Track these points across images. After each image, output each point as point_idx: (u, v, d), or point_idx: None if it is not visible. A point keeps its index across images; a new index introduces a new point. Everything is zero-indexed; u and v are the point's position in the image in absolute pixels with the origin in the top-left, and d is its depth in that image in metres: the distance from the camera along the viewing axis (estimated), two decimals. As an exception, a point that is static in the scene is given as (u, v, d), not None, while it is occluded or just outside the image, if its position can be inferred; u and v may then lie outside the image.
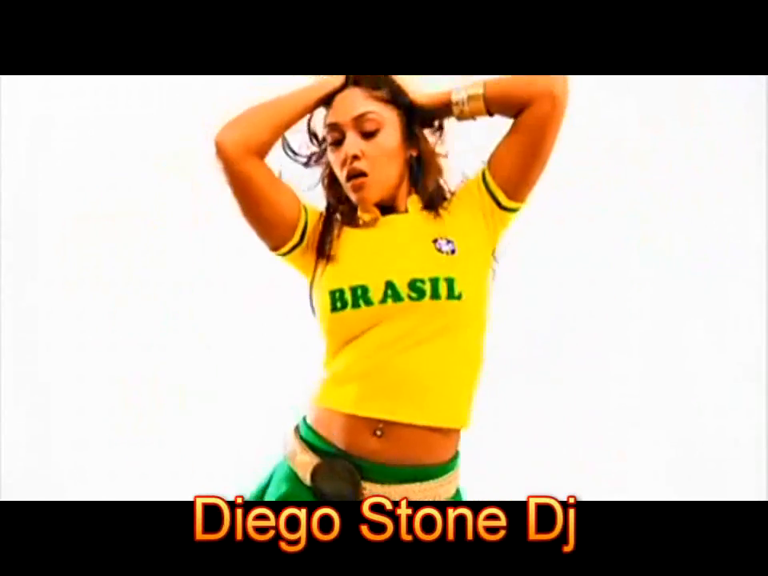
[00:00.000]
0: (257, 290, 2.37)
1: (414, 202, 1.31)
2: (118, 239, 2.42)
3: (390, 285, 1.19)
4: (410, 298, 1.18)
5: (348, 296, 1.20)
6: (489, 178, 1.29)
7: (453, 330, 1.21)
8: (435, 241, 1.25)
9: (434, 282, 1.19)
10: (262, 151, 1.25)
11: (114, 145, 2.41)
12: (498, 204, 1.29)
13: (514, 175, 1.28)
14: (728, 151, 2.55)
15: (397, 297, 1.19)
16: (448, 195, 1.35)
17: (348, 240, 1.28)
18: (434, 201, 1.32)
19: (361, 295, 1.19)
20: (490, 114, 1.30)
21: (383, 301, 1.19)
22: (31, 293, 2.40)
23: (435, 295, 1.18)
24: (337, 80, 1.30)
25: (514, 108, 1.26)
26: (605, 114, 2.48)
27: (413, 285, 1.19)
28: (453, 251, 1.24)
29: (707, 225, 2.55)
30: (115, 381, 2.38)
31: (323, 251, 1.27)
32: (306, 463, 1.21)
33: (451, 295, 1.19)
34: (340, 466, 1.17)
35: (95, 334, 2.40)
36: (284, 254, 1.30)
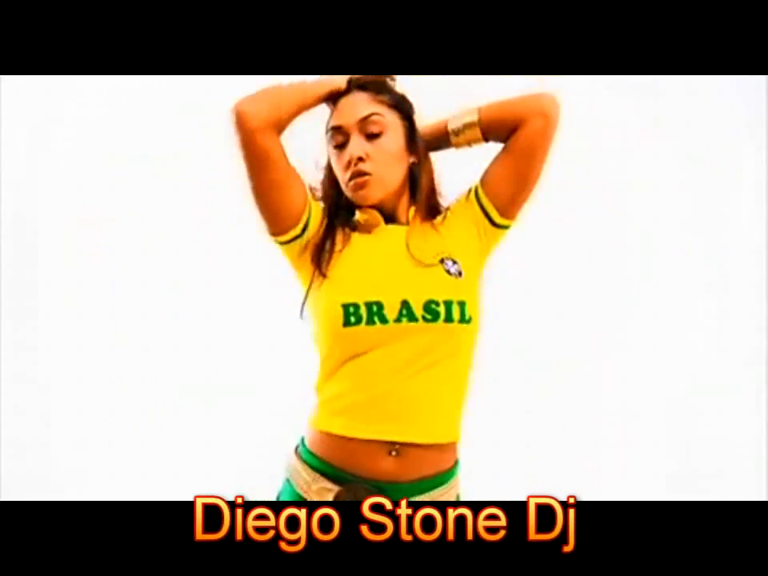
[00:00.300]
0: (257, 291, 2.37)
1: (414, 215, 1.30)
2: (118, 239, 2.42)
3: (405, 304, 1.18)
4: (425, 319, 1.18)
5: (363, 311, 1.17)
6: (482, 196, 1.31)
7: (458, 351, 1.23)
8: (442, 261, 1.25)
9: (448, 304, 1.19)
10: (280, 127, 1.23)
11: (114, 145, 2.41)
12: (491, 221, 1.31)
13: (507, 192, 1.30)
14: (728, 151, 2.55)
15: (411, 317, 1.18)
16: (442, 210, 1.35)
17: (354, 249, 1.26)
18: (432, 212, 1.33)
19: (376, 312, 1.18)
20: (486, 140, 1.33)
21: (398, 320, 1.18)
22: (31, 293, 2.40)
23: (449, 318, 1.19)
24: (343, 80, 1.30)
25: (508, 130, 1.29)
26: (605, 114, 2.48)
27: (428, 306, 1.19)
28: (460, 273, 1.25)
29: (707, 225, 2.55)
30: (115, 381, 2.38)
31: (320, 262, 1.25)
32: (323, 491, 1.19)
33: (463, 319, 1.20)
34: (363, 490, 1.15)
35: (95, 335, 2.40)
36: (283, 243, 1.27)
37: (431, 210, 1.34)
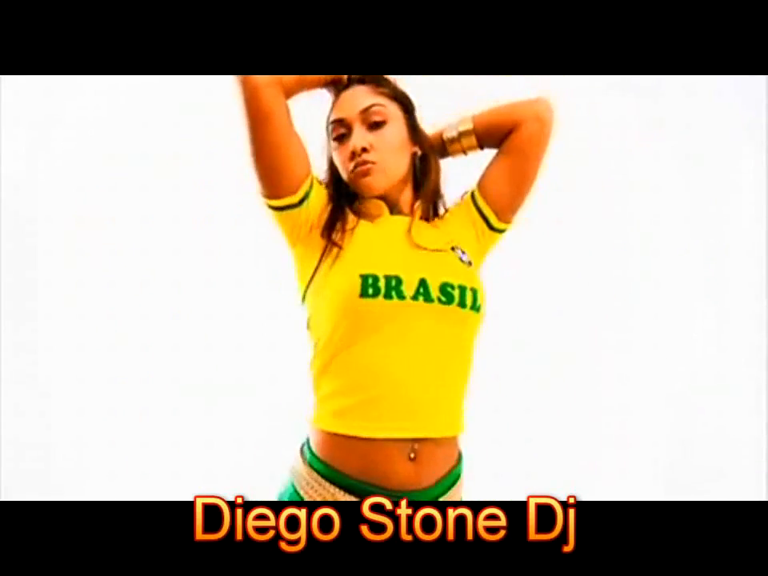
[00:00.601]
0: (257, 291, 2.37)
1: (418, 208, 1.29)
2: (118, 239, 2.42)
3: (422, 282, 1.16)
4: (440, 300, 1.16)
5: (382, 284, 1.13)
6: (479, 199, 1.31)
7: (465, 339, 1.21)
8: (454, 249, 1.25)
9: (462, 289, 1.18)
10: (287, 90, 1.20)
11: (114, 145, 2.41)
12: (489, 225, 1.32)
13: (504, 196, 1.30)
14: (728, 151, 2.55)
15: (428, 296, 1.15)
16: (441, 211, 1.35)
17: (363, 230, 1.24)
18: (436, 206, 1.34)
19: (394, 286, 1.13)
20: (481, 147, 1.34)
21: (414, 297, 1.14)
22: (31, 293, 2.40)
23: (462, 303, 1.17)
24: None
25: (503, 135, 1.30)
26: (605, 114, 2.49)
27: (443, 288, 1.17)
28: (470, 263, 1.25)
29: (707, 225, 2.55)
30: (115, 381, 2.38)
31: (333, 237, 1.20)
32: None
33: (474, 306, 1.19)
34: None
35: (95, 335, 2.40)
36: (275, 208, 1.22)
37: (433, 209, 1.34)
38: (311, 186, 1.23)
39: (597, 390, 2.47)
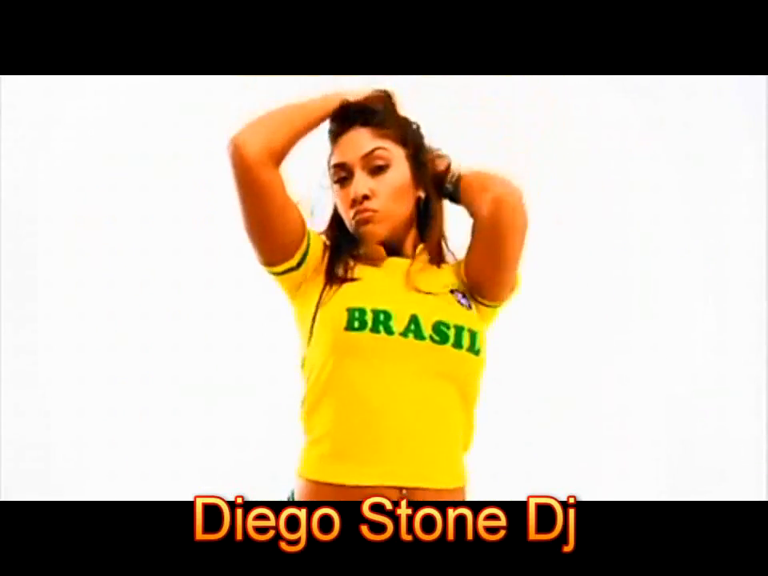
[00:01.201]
0: (257, 291, 2.36)
1: (421, 252, 1.25)
2: (118, 239, 2.42)
3: (414, 319, 1.12)
4: (432, 339, 1.12)
5: (369, 317, 1.09)
6: (463, 275, 1.26)
7: (463, 384, 1.16)
8: (453, 292, 1.21)
9: (459, 329, 1.14)
10: (280, 159, 1.16)
11: (114, 145, 2.41)
12: (475, 299, 1.25)
13: (480, 278, 1.23)
14: (728, 151, 2.55)
15: (419, 334, 1.11)
16: (449, 256, 1.30)
17: (360, 271, 1.20)
18: (440, 249, 1.28)
19: (383, 320, 1.10)
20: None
21: (404, 334, 1.11)
22: (31, 293, 2.40)
23: (458, 344, 1.13)
24: (335, 98, 1.24)
25: (469, 205, 1.22)
26: (605, 114, 2.49)
27: (437, 326, 1.13)
28: (470, 307, 1.21)
29: (707, 225, 2.55)
30: (115, 381, 2.38)
31: (333, 273, 1.18)
32: None
33: (472, 348, 1.14)
34: None
35: (95, 335, 2.40)
36: (276, 274, 1.22)
37: (438, 256, 1.28)
38: (308, 246, 1.20)
39: (597, 390, 2.47)
